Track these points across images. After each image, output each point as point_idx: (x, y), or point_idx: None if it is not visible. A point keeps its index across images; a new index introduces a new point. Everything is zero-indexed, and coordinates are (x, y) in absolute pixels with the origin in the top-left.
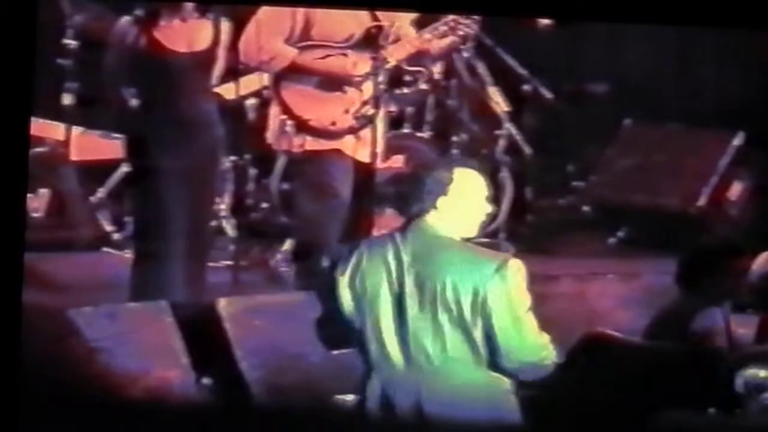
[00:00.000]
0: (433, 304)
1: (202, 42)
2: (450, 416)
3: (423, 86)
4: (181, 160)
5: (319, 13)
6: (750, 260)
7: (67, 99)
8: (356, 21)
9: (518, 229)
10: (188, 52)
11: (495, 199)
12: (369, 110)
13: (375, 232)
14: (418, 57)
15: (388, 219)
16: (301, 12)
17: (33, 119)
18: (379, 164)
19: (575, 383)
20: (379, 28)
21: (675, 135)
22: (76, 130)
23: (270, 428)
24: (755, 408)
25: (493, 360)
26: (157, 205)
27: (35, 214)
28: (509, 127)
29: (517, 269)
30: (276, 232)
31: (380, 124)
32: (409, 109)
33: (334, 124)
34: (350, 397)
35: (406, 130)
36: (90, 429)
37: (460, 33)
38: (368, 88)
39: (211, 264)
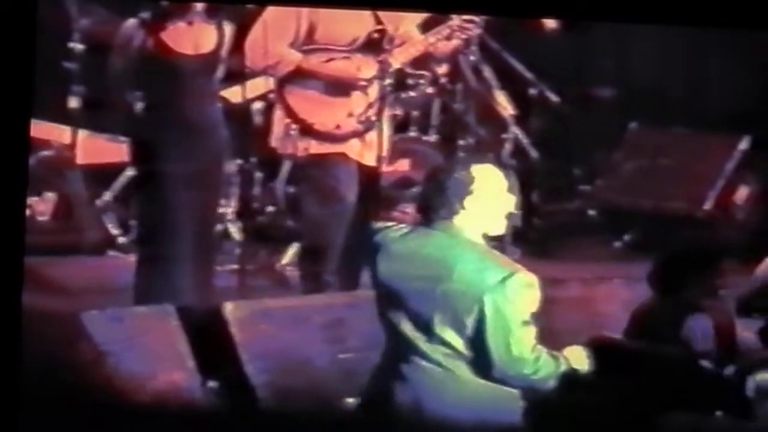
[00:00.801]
0: (440, 305)
1: (208, 45)
2: (454, 419)
3: (429, 90)
4: (187, 164)
5: (323, 17)
6: (753, 265)
7: (73, 102)
8: (360, 24)
9: (524, 233)
10: (194, 54)
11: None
12: (373, 114)
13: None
14: (424, 60)
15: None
16: (305, 16)
17: (39, 122)
18: (385, 168)
19: (581, 387)
20: (383, 31)
21: (681, 139)
22: (83, 134)
23: None
24: (766, 412)
25: (485, 371)
26: (163, 208)
27: (41, 218)
28: (515, 131)
29: (525, 284)
30: (282, 235)
31: (386, 128)
32: (415, 113)
33: (338, 127)
34: (355, 401)
35: (412, 134)
36: None
37: (464, 36)
38: (373, 91)
39: (217, 268)
